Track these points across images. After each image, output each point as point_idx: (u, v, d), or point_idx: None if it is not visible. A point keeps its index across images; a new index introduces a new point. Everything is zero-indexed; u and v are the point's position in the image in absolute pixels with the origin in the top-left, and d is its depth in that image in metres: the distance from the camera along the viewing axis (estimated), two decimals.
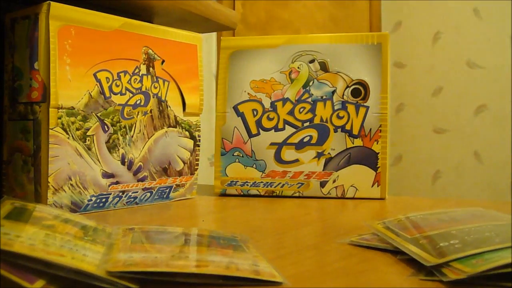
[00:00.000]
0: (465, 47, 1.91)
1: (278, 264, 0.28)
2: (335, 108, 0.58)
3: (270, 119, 0.59)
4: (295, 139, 0.59)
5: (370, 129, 0.57)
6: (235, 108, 0.60)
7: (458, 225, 0.31)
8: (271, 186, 0.59)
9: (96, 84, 0.48)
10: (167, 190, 0.55)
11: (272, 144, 0.59)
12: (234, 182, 0.60)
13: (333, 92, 0.58)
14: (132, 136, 0.52)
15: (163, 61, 0.54)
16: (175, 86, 0.56)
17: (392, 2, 2.03)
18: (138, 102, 0.52)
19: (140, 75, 0.52)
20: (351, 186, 0.58)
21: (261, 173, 0.59)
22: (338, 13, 1.76)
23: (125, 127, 0.51)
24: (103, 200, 0.49)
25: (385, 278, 0.27)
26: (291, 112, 0.59)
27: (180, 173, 0.57)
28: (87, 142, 0.48)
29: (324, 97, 0.58)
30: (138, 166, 0.52)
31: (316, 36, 0.59)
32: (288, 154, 0.59)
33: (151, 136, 0.54)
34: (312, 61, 0.59)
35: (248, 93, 0.60)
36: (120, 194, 0.51)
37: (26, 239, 0.25)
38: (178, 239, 0.31)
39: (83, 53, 0.47)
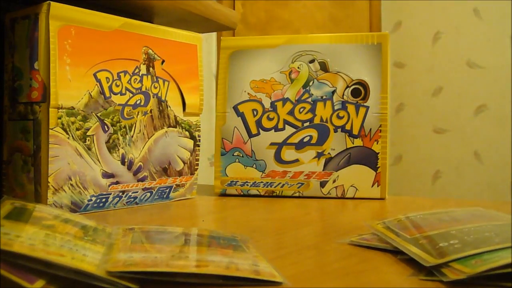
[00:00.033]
0: (465, 47, 1.91)
1: (278, 264, 0.28)
2: (335, 108, 0.58)
3: (270, 119, 0.59)
4: (295, 139, 0.59)
5: (370, 129, 0.57)
6: (235, 108, 0.60)
7: (458, 225, 0.31)
8: (271, 186, 0.59)
9: (96, 84, 0.48)
10: (167, 190, 0.55)
11: (272, 144, 0.59)
12: (234, 182, 0.60)
13: (333, 92, 0.58)
14: (132, 136, 0.52)
15: (163, 61, 0.54)
16: (175, 86, 0.56)
17: (392, 2, 2.03)
18: (138, 102, 0.52)
19: (140, 75, 0.52)
20: (351, 186, 0.58)
21: (261, 173, 0.59)
22: (338, 13, 1.76)
23: (125, 127, 0.51)
24: (103, 200, 0.49)
25: (385, 278, 0.27)
26: (291, 112, 0.59)
27: (180, 173, 0.57)
28: (87, 142, 0.48)
29: (324, 97, 0.58)
30: (138, 166, 0.52)
31: (316, 36, 0.59)
32: (288, 154, 0.59)
33: (151, 136, 0.54)
34: (312, 61, 0.59)
35: (248, 93, 0.60)
36: (120, 194, 0.51)
37: (26, 239, 0.25)
38: (178, 239, 0.31)
39: (83, 53, 0.47)
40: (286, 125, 0.59)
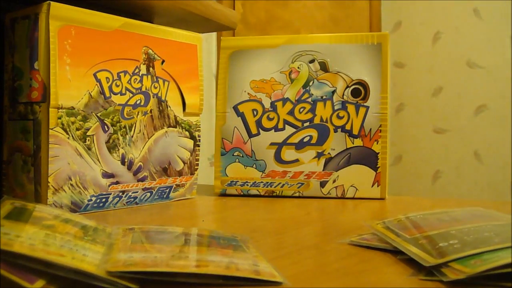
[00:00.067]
0: (465, 47, 1.91)
1: (278, 264, 0.28)
2: (335, 108, 0.58)
3: (270, 119, 0.59)
4: (295, 139, 0.59)
5: (370, 129, 0.57)
6: (235, 108, 0.60)
7: (457, 225, 0.31)
8: (271, 186, 0.59)
9: (96, 84, 0.48)
10: (167, 190, 0.55)
11: (272, 144, 0.59)
12: (234, 182, 0.60)
13: (333, 92, 0.58)
14: (132, 136, 0.52)
15: (163, 61, 0.54)
16: (175, 86, 0.56)
17: (392, 2, 2.03)
18: (138, 102, 0.52)
19: (140, 75, 0.52)
20: (351, 186, 0.58)
21: (261, 173, 0.59)
22: (338, 13, 1.76)
23: (125, 127, 0.51)
24: (103, 200, 0.49)
25: (385, 278, 0.27)
26: (291, 112, 0.59)
27: (180, 173, 0.57)
28: (87, 142, 0.48)
29: (324, 97, 0.58)
30: (138, 166, 0.52)
31: (316, 36, 0.59)
32: (288, 154, 0.59)
33: (151, 136, 0.54)
34: (312, 61, 0.59)
35: (248, 93, 0.60)
36: (120, 194, 0.51)
37: (26, 239, 0.25)
38: (178, 239, 0.31)
39: (83, 53, 0.47)
40: (286, 125, 0.59)
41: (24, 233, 0.26)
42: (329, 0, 1.74)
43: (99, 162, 0.49)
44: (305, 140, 0.58)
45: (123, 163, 0.51)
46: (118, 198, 0.51)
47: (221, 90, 0.60)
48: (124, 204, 0.51)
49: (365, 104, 0.58)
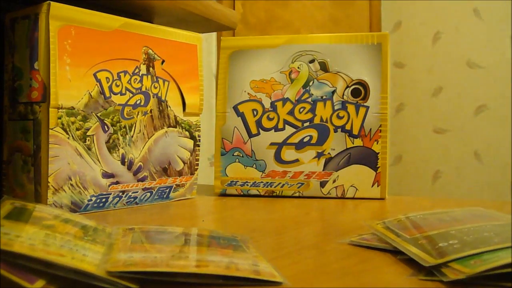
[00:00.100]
0: (465, 47, 1.91)
1: (278, 264, 0.28)
2: (335, 108, 0.58)
3: (270, 119, 0.59)
4: (295, 139, 0.59)
5: (370, 129, 0.57)
6: (235, 108, 0.60)
7: (457, 225, 0.31)
8: (271, 186, 0.59)
9: (96, 84, 0.48)
10: (167, 190, 0.55)
11: (272, 144, 0.59)
12: (234, 182, 0.60)
13: (333, 92, 0.58)
14: (132, 136, 0.52)
15: (163, 61, 0.54)
16: (175, 86, 0.56)
17: (392, 2, 2.03)
18: (138, 102, 0.52)
19: (140, 75, 0.52)
20: (351, 186, 0.58)
21: (261, 173, 0.59)
22: (338, 13, 1.76)
23: (125, 127, 0.51)
24: (103, 200, 0.49)
25: (385, 278, 0.27)
26: (291, 112, 0.59)
27: (180, 173, 0.57)
28: (87, 142, 0.48)
29: (324, 97, 0.58)
30: (138, 166, 0.52)
31: (316, 36, 0.59)
32: (288, 154, 0.59)
33: (151, 136, 0.54)
34: (312, 61, 0.59)
35: (248, 93, 0.60)
36: (120, 194, 0.51)
37: (26, 239, 0.25)
38: (178, 239, 0.31)
39: (83, 53, 0.47)
40: (286, 125, 0.59)
41: (24, 233, 0.26)
42: (329, 0, 1.74)
43: (99, 162, 0.49)
44: (305, 140, 0.58)
45: (123, 163, 0.51)
46: (118, 198, 0.51)
47: (221, 90, 0.60)
48: (124, 204, 0.51)
49: (365, 104, 0.58)
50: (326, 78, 0.58)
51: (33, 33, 0.45)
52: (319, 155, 0.58)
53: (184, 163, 0.57)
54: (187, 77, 0.57)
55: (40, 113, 0.45)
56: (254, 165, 0.59)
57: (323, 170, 0.58)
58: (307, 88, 0.58)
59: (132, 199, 0.52)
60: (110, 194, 0.50)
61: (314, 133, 0.58)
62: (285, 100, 0.59)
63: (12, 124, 0.47)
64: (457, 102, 1.93)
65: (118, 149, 0.50)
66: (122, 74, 0.50)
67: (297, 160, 0.59)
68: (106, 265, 0.24)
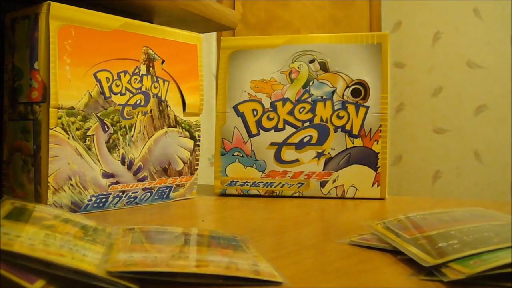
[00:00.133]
0: (465, 47, 1.91)
1: (278, 264, 0.28)
2: (335, 108, 0.58)
3: (270, 119, 0.59)
4: (295, 139, 0.59)
5: (370, 129, 0.57)
6: (235, 108, 0.60)
7: (457, 225, 0.31)
8: (271, 186, 0.59)
9: (96, 84, 0.48)
10: (167, 190, 0.55)
11: (272, 144, 0.59)
12: (234, 182, 0.60)
13: (333, 92, 0.58)
14: (132, 136, 0.52)
15: (163, 61, 0.54)
16: (175, 86, 0.56)
17: (392, 2, 2.03)
18: (138, 102, 0.52)
19: (140, 75, 0.52)
20: (351, 186, 0.58)
21: (261, 173, 0.59)
22: (338, 13, 1.76)
23: (125, 127, 0.51)
24: (103, 200, 0.49)
25: (385, 278, 0.27)
26: (291, 112, 0.59)
27: (180, 173, 0.57)
28: (87, 142, 0.48)
29: (324, 97, 0.58)
30: (138, 166, 0.52)
31: (316, 36, 0.59)
32: (288, 154, 0.59)
33: (151, 136, 0.54)
34: (312, 61, 0.59)
35: (248, 93, 0.60)
36: (120, 194, 0.51)
37: (26, 239, 0.25)
38: (178, 239, 0.31)
39: (83, 53, 0.47)
40: (286, 125, 0.59)
41: (24, 233, 0.26)
42: (329, 0, 1.74)
43: (99, 162, 0.49)
44: (305, 140, 0.58)
45: (123, 163, 0.51)
46: (118, 198, 0.51)
47: (221, 90, 0.60)
48: (124, 204, 0.51)
49: (365, 104, 0.58)
50: (326, 78, 0.58)
51: (33, 33, 0.45)
52: (319, 155, 0.58)
53: (184, 163, 0.57)
54: (187, 77, 0.57)
55: (40, 113, 0.45)
56: (254, 165, 0.59)
57: (323, 170, 0.58)
58: (307, 88, 0.58)
59: (132, 199, 0.52)
60: (110, 194, 0.50)
61: (314, 133, 0.58)
62: (285, 100, 0.59)
63: (12, 124, 0.47)
64: (457, 102, 1.93)
65: (118, 149, 0.50)
66: (122, 74, 0.50)
67: (297, 160, 0.59)
68: (106, 265, 0.24)
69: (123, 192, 0.51)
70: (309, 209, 0.51)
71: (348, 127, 0.58)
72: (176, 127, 0.56)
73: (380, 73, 0.58)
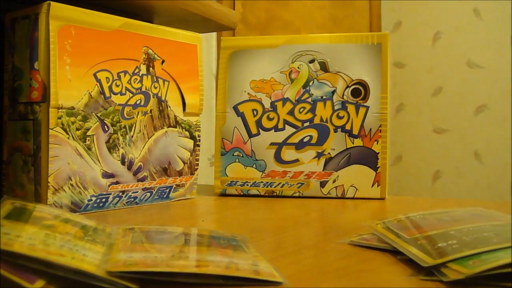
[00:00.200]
0: (465, 47, 1.91)
1: (278, 264, 0.28)
2: (335, 108, 0.58)
3: (270, 119, 0.59)
4: (295, 139, 0.59)
5: (370, 129, 0.57)
6: (235, 108, 0.60)
7: (457, 225, 0.31)
8: (271, 186, 0.59)
9: (96, 84, 0.48)
10: (167, 190, 0.55)
11: (272, 144, 0.59)
12: (234, 182, 0.60)
13: (333, 92, 0.58)
14: (132, 136, 0.52)
15: (163, 61, 0.54)
16: (175, 86, 0.56)
17: (392, 2, 2.03)
18: (138, 102, 0.52)
19: (140, 75, 0.52)
20: (351, 186, 0.58)
21: (261, 173, 0.59)
22: (338, 13, 1.76)
23: (125, 127, 0.51)
24: (103, 200, 0.49)
25: (385, 278, 0.27)
26: (291, 112, 0.59)
27: (180, 173, 0.57)
28: (87, 142, 0.48)
29: (324, 97, 0.58)
30: (138, 166, 0.52)
31: (316, 36, 0.59)
32: (288, 154, 0.59)
33: (151, 136, 0.54)
34: (312, 61, 0.59)
35: (248, 93, 0.60)
36: (120, 194, 0.51)
37: (26, 239, 0.25)
38: (178, 239, 0.31)
39: (83, 53, 0.47)
40: (286, 125, 0.59)
41: (24, 233, 0.26)
42: (329, 0, 1.74)
43: (99, 162, 0.49)
44: (305, 140, 0.58)
45: (123, 163, 0.51)
46: (118, 198, 0.51)
47: (221, 90, 0.60)
48: (124, 204, 0.51)
49: (365, 104, 0.58)
50: (326, 78, 0.58)
51: (33, 33, 0.45)
52: (319, 155, 0.58)
53: (184, 163, 0.57)
54: (187, 77, 0.57)
55: (40, 113, 0.45)
56: (254, 165, 0.59)
57: (323, 170, 0.58)
58: (307, 88, 0.58)
59: (132, 199, 0.52)
60: (110, 194, 0.50)
61: (314, 133, 0.58)
62: (285, 100, 0.59)
63: (12, 124, 0.47)
64: (457, 102, 1.93)
65: (118, 149, 0.50)
66: (122, 74, 0.50)
67: (297, 160, 0.59)
68: (106, 265, 0.24)
69: (123, 192, 0.51)
70: (309, 209, 0.51)
71: (348, 127, 0.58)
72: (176, 127, 0.56)
73: (380, 73, 0.58)
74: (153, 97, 0.54)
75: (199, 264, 0.26)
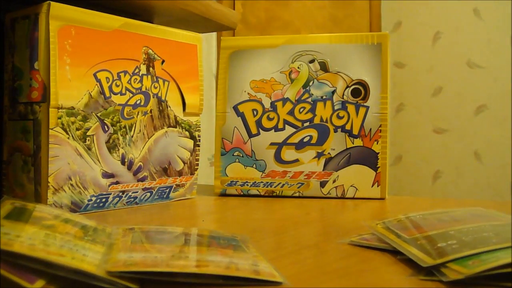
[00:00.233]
0: (465, 47, 1.91)
1: (278, 264, 0.28)
2: (335, 108, 0.58)
3: (270, 119, 0.59)
4: (295, 139, 0.59)
5: (370, 129, 0.57)
6: (235, 108, 0.60)
7: (457, 225, 0.31)
8: (271, 186, 0.59)
9: (96, 84, 0.48)
10: (167, 190, 0.55)
11: (272, 144, 0.59)
12: (234, 182, 0.60)
13: (333, 92, 0.58)
14: (132, 136, 0.52)
15: (163, 61, 0.54)
16: (175, 86, 0.56)
17: (392, 2, 2.03)
18: (138, 102, 0.52)
19: (140, 75, 0.52)
20: (351, 186, 0.58)
21: (261, 173, 0.59)
22: (338, 13, 1.76)
23: (125, 127, 0.51)
24: (103, 200, 0.49)
25: (385, 278, 0.27)
26: (291, 112, 0.59)
27: (180, 173, 0.57)
28: (87, 142, 0.48)
29: (324, 97, 0.58)
30: (138, 166, 0.52)
31: (316, 36, 0.59)
32: (288, 154, 0.59)
33: (151, 136, 0.54)
34: (312, 61, 0.59)
35: (248, 93, 0.60)
36: (120, 194, 0.51)
37: (26, 239, 0.25)
38: (178, 239, 0.31)
39: (83, 53, 0.47)
40: (286, 125, 0.59)
41: (24, 233, 0.26)
42: (329, 0, 1.74)
43: (99, 162, 0.49)
44: (305, 140, 0.58)
45: (123, 163, 0.51)
46: (118, 198, 0.51)
47: (221, 90, 0.60)
48: (124, 204, 0.51)
49: (365, 104, 0.58)
50: (326, 78, 0.58)
51: (33, 33, 0.45)
52: (319, 155, 0.58)
53: (184, 163, 0.57)
54: (187, 77, 0.57)
55: (40, 113, 0.45)
56: (254, 165, 0.59)
57: (323, 170, 0.58)
58: (307, 88, 0.58)
59: (132, 199, 0.52)
60: (110, 194, 0.50)
61: (314, 133, 0.58)
62: (285, 100, 0.59)
63: (12, 124, 0.47)
64: (457, 102, 1.93)
65: (118, 149, 0.50)
66: (122, 74, 0.50)
67: (297, 160, 0.59)
68: (106, 265, 0.24)
69: (123, 192, 0.51)
70: (309, 209, 0.51)
71: (348, 127, 0.58)
72: (176, 127, 0.56)
73: (380, 73, 0.58)
74: (153, 97, 0.54)
75: (199, 264, 0.26)
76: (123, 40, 0.51)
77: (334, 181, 0.58)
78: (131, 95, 0.51)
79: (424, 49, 1.98)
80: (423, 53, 1.98)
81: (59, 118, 0.45)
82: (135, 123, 0.52)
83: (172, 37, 0.56)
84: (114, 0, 0.56)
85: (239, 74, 0.60)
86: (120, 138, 0.50)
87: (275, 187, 0.59)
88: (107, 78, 0.49)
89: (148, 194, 0.53)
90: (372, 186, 0.57)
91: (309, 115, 0.58)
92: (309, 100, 0.58)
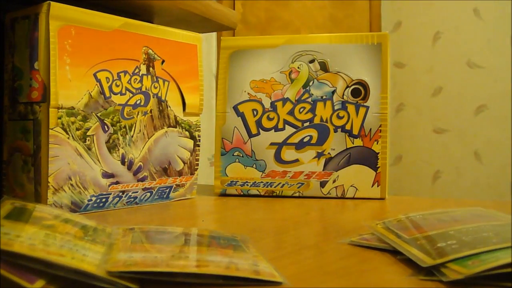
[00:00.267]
0: (465, 47, 1.91)
1: (278, 264, 0.28)
2: (335, 108, 0.58)
3: (270, 119, 0.59)
4: (295, 139, 0.59)
5: (370, 129, 0.57)
6: (235, 108, 0.60)
7: (457, 225, 0.31)
8: (271, 186, 0.59)
9: (96, 84, 0.48)
10: (167, 190, 0.55)
11: (272, 144, 0.59)
12: (234, 182, 0.60)
13: (333, 92, 0.58)
14: (132, 136, 0.52)
15: (163, 61, 0.54)
16: (175, 86, 0.56)
17: (392, 2, 2.03)
18: (138, 102, 0.52)
19: (140, 75, 0.52)
20: (351, 186, 0.58)
21: (261, 173, 0.59)
22: (338, 13, 1.76)
23: (125, 127, 0.51)
24: (103, 200, 0.49)
25: (385, 278, 0.27)
26: (291, 112, 0.59)
27: (180, 173, 0.57)
28: (87, 142, 0.48)
29: (324, 97, 0.58)
30: (138, 166, 0.52)
31: (316, 36, 0.59)
32: (288, 154, 0.59)
33: (151, 136, 0.54)
34: (312, 61, 0.59)
35: (248, 93, 0.60)
36: (120, 194, 0.51)
37: (26, 239, 0.25)
38: (178, 239, 0.31)
39: (83, 53, 0.47)
40: (286, 125, 0.59)
41: (24, 233, 0.26)
42: (329, 0, 1.74)
43: (99, 162, 0.49)
44: (305, 140, 0.58)
45: (123, 163, 0.51)
46: (118, 198, 0.51)
47: (221, 90, 0.60)
48: (124, 204, 0.51)
49: (365, 104, 0.58)
50: (326, 78, 0.58)
51: (33, 33, 0.45)
52: (319, 155, 0.58)
53: (184, 163, 0.57)
54: (187, 77, 0.57)
55: (40, 113, 0.45)
56: (254, 165, 0.59)
57: (323, 170, 0.58)
58: (307, 88, 0.58)
59: (132, 199, 0.52)
60: (110, 194, 0.50)
61: (314, 133, 0.58)
62: (285, 100, 0.59)
63: (12, 124, 0.47)
64: (457, 102, 1.93)
65: (118, 149, 0.50)
66: (122, 74, 0.50)
67: (297, 160, 0.59)
68: (106, 265, 0.24)
69: (123, 192, 0.51)
70: (309, 209, 0.51)
71: (348, 127, 0.58)
72: (176, 127, 0.56)
73: (380, 73, 0.58)
74: (153, 97, 0.54)
75: (199, 264, 0.26)
76: (123, 40, 0.51)
77: (334, 181, 0.58)
78: (131, 95, 0.51)
79: (424, 49, 1.98)
80: (423, 53, 1.98)
81: (59, 118, 0.45)
82: (135, 123, 0.52)
83: (172, 37, 0.56)
84: (114, 0, 0.56)
85: (239, 74, 0.60)
86: (120, 138, 0.50)
87: (275, 187, 0.59)
88: (107, 78, 0.49)
89: (148, 194, 0.53)
90: (372, 186, 0.57)
91: (309, 115, 0.58)
92: (309, 100, 0.58)
